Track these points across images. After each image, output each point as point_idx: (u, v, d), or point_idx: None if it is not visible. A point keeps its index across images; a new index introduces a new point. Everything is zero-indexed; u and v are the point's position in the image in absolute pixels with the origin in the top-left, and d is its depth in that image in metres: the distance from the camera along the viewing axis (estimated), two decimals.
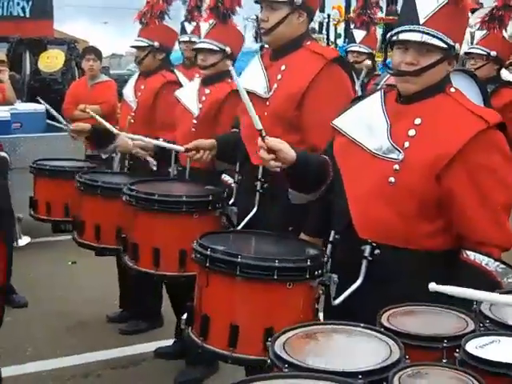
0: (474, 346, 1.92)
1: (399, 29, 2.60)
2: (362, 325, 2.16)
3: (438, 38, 2.51)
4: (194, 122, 4.16)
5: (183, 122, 4.26)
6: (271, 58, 3.42)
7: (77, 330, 5.06)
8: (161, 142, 4.12)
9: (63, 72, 10.59)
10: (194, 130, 4.14)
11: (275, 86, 3.31)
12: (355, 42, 6.76)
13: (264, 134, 2.70)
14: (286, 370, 1.85)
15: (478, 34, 5.45)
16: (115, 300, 5.39)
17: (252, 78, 3.45)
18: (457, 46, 2.53)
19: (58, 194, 4.48)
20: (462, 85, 2.74)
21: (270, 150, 2.69)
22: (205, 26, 4.29)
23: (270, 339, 2.09)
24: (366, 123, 2.70)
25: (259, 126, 2.70)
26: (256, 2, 3.47)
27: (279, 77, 3.32)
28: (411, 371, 1.79)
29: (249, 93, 3.37)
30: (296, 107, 3.24)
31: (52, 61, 10.61)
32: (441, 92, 2.60)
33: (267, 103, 3.32)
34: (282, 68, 3.32)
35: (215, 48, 4.11)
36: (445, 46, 2.51)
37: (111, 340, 4.91)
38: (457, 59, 2.63)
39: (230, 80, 4.18)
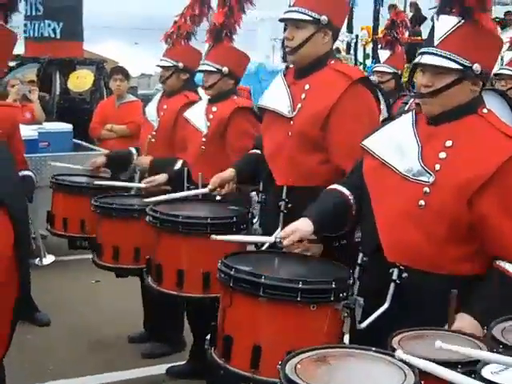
0: (490, 372, 1.90)
1: (419, 51, 2.62)
2: (373, 349, 2.13)
3: (450, 59, 2.49)
4: (203, 140, 4.24)
5: (193, 141, 4.34)
6: (295, 77, 3.41)
7: (98, 349, 5.04)
8: (185, 193, 4.10)
9: (92, 92, 10.70)
10: (203, 147, 4.23)
11: (299, 105, 3.30)
12: (380, 62, 6.75)
13: (278, 240, 2.78)
14: None
15: (509, 55, 5.40)
16: (137, 320, 5.36)
17: (275, 96, 3.45)
18: (475, 66, 2.50)
19: (75, 209, 4.52)
20: (492, 104, 2.71)
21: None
22: (206, 48, 4.48)
23: (280, 362, 2.06)
24: (396, 145, 2.68)
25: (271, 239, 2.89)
26: (281, 21, 3.48)
27: (303, 96, 3.31)
28: None
29: (272, 112, 3.39)
30: (321, 127, 3.23)
31: (81, 81, 10.72)
32: (472, 113, 2.57)
33: (291, 122, 3.30)
34: (306, 87, 3.31)
35: (212, 69, 4.24)
36: (459, 67, 2.49)
37: (132, 360, 4.87)
38: (484, 79, 2.59)
39: (235, 97, 4.30)
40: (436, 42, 2.54)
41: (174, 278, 3.31)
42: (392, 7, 10.09)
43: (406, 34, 6.87)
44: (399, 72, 6.67)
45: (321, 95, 3.24)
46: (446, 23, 2.54)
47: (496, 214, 2.45)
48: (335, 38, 3.40)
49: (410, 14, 10.27)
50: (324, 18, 3.25)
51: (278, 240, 2.73)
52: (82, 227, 4.41)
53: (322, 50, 3.33)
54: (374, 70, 6.80)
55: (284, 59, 12.30)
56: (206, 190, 3.74)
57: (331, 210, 2.82)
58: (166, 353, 4.95)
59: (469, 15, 2.51)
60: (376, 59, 6.81)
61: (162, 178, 4.40)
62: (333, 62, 3.36)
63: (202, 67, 4.34)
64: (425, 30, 10.96)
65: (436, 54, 2.52)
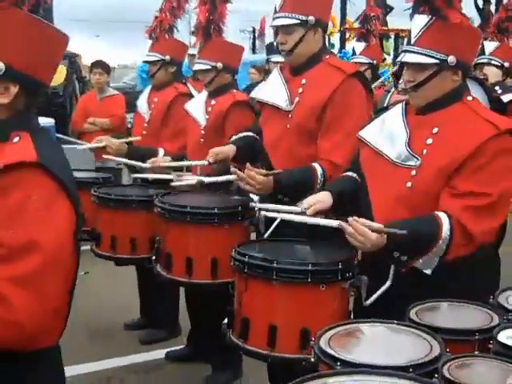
0: (505, 337, 2.10)
1: (401, 49, 2.91)
2: (395, 322, 2.31)
3: (426, 55, 2.72)
4: (202, 132, 4.38)
5: (192, 133, 4.47)
6: (291, 73, 3.57)
7: (96, 337, 5.17)
8: (187, 163, 4.26)
9: (65, 86, 10.70)
10: (202, 140, 4.36)
11: (297, 99, 3.46)
12: (355, 54, 6.98)
13: (304, 209, 2.92)
14: (339, 367, 1.98)
15: (492, 45, 5.61)
16: (130, 308, 5.50)
17: (273, 91, 3.61)
18: (450, 58, 2.71)
19: None
20: (473, 91, 2.95)
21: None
22: (200, 47, 4.55)
23: (313, 339, 2.24)
24: (388, 134, 2.90)
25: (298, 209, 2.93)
26: (272, 27, 3.65)
27: (300, 90, 3.47)
28: (457, 363, 1.94)
29: (270, 105, 3.55)
30: (317, 119, 3.40)
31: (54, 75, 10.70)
32: (457, 101, 2.79)
33: (289, 116, 3.47)
34: (303, 82, 3.48)
35: (207, 67, 4.35)
36: (435, 61, 2.72)
37: (131, 346, 5.01)
38: (463, 69, 2.80)
39: (234, 91, 4.41)
40: (413, 41, 2.78)
41: (184, 266, 3.45)
42: None
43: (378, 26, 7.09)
44: (374, 62, 6.90)
45: (317, 89, 3.41)
46: (420, 22, 2.76)
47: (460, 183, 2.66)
48: (325, 31, 3.57)
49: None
50: (311, 18, 3.40)
51: (304, 209, 2.89)
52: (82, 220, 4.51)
53: (315, 48, 3.49)
54: (352, 61, 7.02)
55: (253, 50, 12.47)
56: (205, 162, 3.78)
57: (348, 190, 3.03)
58: (163, 338, 5.11)
59: (437, 13, 2.73)
60: (353, 52, 7.01)
61: (165, 161, 4.49)
62: (327, 57, 3.53)
63: (196, 66, 4.44)
64: (391, 20, 11.19)
65: (413, 52, 2.76)
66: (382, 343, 2.22)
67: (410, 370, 1.94)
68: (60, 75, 10.60)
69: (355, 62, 6.86)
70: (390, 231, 2.55)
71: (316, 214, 2.90)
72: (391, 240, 2.57)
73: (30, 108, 2.01)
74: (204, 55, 4.40)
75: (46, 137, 2.04)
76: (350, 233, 2.57)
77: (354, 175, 3.06)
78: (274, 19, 3.55)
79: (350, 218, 2.59)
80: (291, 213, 2.93)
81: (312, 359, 2.19)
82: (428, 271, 2.65)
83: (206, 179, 3.59)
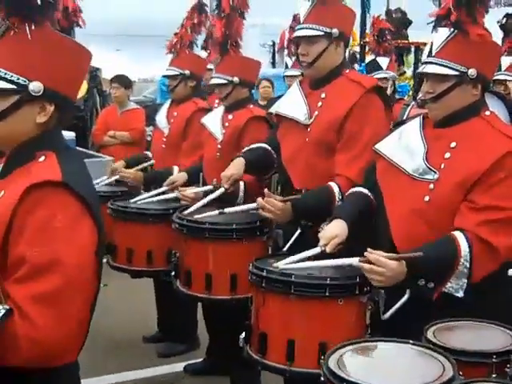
0: None
1: (422, 61, 2.93)
2: (411, 341, 2.30)
3: (447, 66, 2.74)
4: (219, 146, 4.38)
5: (209, 147, 4.48)
6: (311, 87, 3.58)
7: (114, 350, 5.18)
8: (204, 188, 4.22)
9: (85, 100, 10.77)
10: (218, 154, 4.36)
11: (316, 113, 3.47)
12: (381, 69, 6.95)
13: (322, 249, 2.93)
14: None
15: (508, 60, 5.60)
16: (149, 321, 5.51)
17: (292, 104, 3.62)
18: (471, 71, 2.73)
19: None
20: (492, 106, 2.96)
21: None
22: (216, 61, 4.59)
23: (323, 357, 2.24)
24: (405, 147, 2.90)
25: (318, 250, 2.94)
26: (295, 38, 3.66)
27: (320, 104, 3.48)
28: None
29: (289, 119, 3.57)
30: (336, 132, 3.40)
31: None
32: (475, 115, 2.80)
33: (308, 129, 3.48)
34: (322, 96, 3.49)
35: (223, 81, 4.36)
36: (455, 72, 2.73)
37: (149, 359, 5.02)
38: (483, 83, 2.81)
39: (251, 106, 4.42)
40: (434, 52, 2.80)
41: (203, 282, 3.48)
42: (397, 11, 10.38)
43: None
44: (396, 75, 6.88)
45: (336, 103, 3.42)
46: (442, 34, 2.79)
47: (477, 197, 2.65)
48: (346, 46, 3.60)
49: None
50: (335, 30, 3.43)
51: (322, 248, 2.90)
52: None
53: (336, 61, 3.50)
54: (376, 77, 6.99)
55: (273, 64, 12.51)
56: (222, 190, 3.78)
57: (360, 211, 3.03)
58: (182, 352, 5.11)
59: (459, 27, 2.75)
60: (375, 67, 6.96)
61: (182, 177, 4.53)
62: (347, 71, 3.54)
63: (213, 81, 4.46)
64: (410, 33, 11.18)
65: (434, 63, 2.78)
66: (393, 364, 2.21)
67: None
68: (81, 89, 10.68)
69: (379, 78, 6.83)
70: (406, 256, 2.57)
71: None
72: (411, 267, 2.57)
73: (59, 126, 2.04)
74: (221, 70, 4.42)
75: (72, 155, 2.06)
76: (368, 269, 2.58)
77: (365, 191, 3.05)
78: (297, 30, 3.58)
79: (365, 253, 2.59)
80: (311, 256, 2.94)
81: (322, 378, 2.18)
82: (459, 294, 2.63)
83: (227, 210, 3.61)
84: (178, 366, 4.91)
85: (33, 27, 1.94)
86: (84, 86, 10.80)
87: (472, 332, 2.46)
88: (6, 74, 1.93)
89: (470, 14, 2.73)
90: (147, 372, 4.86)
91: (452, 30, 2.77)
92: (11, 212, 1.82)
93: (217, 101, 5.21)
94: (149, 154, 5.31)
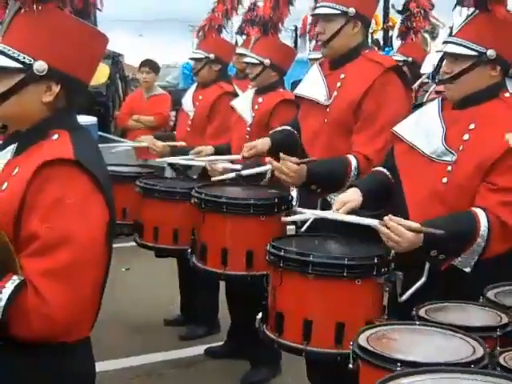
0: None
1: (443, 41, 2.89)
2: (436, 324, 2.28)
3: (465, 46, 2.71)
4: (248, 129, 4.39)
5: (238, 129, 4.49)
6: (330, 67, 3.57)
7: (136, 333, 5.22)
8: (223, 157, 4.29)
9: (108, 85, 10.84)
10: (247, 137, 4.36)
11: (335, 93, 3.46)
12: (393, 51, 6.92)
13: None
14: (399, 368, 1.95)
15: None
16: (170, 305, 5.56)
17: (312, 86, 3.62)
18: (490, 52, 2.69)
19: (118, 198, 4.65)
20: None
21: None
22: (253, 41, 4.56)
23: (352, 342, 2.20)
24: (423, 129, 2.87)
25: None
26: (312, 16, 3.65)
27: (339, 84, 3.47)
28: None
29: (309, 100, 3.56)
30: (354, 113, 3.39)
31: (97, 74, 10.81)
32: (494, 97, 2.77)
33: (327, 110, 3.47)
34: (342, 76, 3.47)
35: (255, 61, 4.37)
36: (473, 53, 2.70)
37: (171, 342, 5.05)
38: (503, 65, 2.77)
39: (281, 89, 4.41)
40: (454, 32, 2.77)
41: (219, 257, 3.47)
42: None
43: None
44: (410, 59, 6.74)
45: (355, 83, 3.40)
46: (464, 14, 2.77)
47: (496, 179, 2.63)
48: (367, 27, 3.57)
49: None
50: (352, 9, 3.41)
51: (335, 211, 2.89)
52: (124, 214, 4.54)
53: (353, 41, 3.48)
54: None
55: (295, 46, 12.47)
56: (239, 157, 3.83)
57: (378, 186, 3.01)
58: (203, 335, 5.14)
59: (482, 6, 2.71)
60: (389, 47, 6.91)
61: (209, 149, 4.56)
62: (367, 51, 3.53)
63: (246, 59, 4.49)
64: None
65: (453, 43, 2.76)
66: (422, 344, 2.17)
67: (472, 366, 1.95)
68: (103, 75, 10.76)
69: None
70: (428, 231, 2.53)
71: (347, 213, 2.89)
72: (428, 240, 2.54)
73: (71, 107, 2.05)
74: (255, 49, 4.43)
75: (85, 135, 2.07)
76: (385, 233, 2.55)
77: (385, 171, 3.03)
78: (315, 9, 3.59)
79: (385, 217, 2.57)
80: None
81: (351, 365, 2.17)
82: (467, 269, 2.63)
83: (244, 172, 3.61)
84: (199, 349, 4.94)
85: (43, 8, 1.95)
86: (106, 72, 10.88)
87: (460, 311, 2.46)
88: (13, 52, 1.94)
89: None
90: (168, 355, 4.89)
91: (473, 9, 2.73)
92: (24, 188, 1.84)
93: (250, 86, 5.21)
94: (175, 133, 5.30)
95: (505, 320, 2.31)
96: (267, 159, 3.37)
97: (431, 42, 7.67)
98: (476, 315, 2.41)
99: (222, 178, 3.80)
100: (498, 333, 2.24)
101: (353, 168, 3.30)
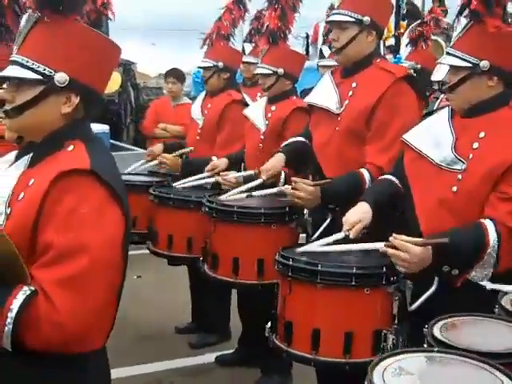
0: None
1: (445, 51, 2.90)
2: (459, 352, 2.07)
3: (459, 57, 2.75)
4: (262, 137, 4.39)
5: (251, 138, 4.50)
6: (342, 76, 3.58)
7: (147, 340, 5.22)
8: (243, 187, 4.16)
9: (120, 93, 10.87)
10: (261, 145, 4.38)
11: (346, 102, 3.47)
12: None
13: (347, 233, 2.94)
14: None
15: None
16: (181, 312, 5.56)
17: (324, 94, 3.62)
18: (483, 63, 2.72)
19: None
20: None
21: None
22: (263, 51, 4.57)
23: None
24: (433, 137, 2.88)
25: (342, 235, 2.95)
26: (327, 23, 3.67)
27: (350, 93, 3.47)
28: None
29: (321, 108, 3.57)
30: (365, 121, 3.40)
31: (109, 82, 10.87)
32: (503, 106, 2.78)
33: (339, 118, 3.47)
34: (353, 85, 3.48)
35: (268, 72, 4.37)
36: (467, 64, 2.73)
37: (181, 350, 5.06)
38: (501, 76, 2.76)
39: (294, 97, 4.42)
40: (452, 43, 2.82)
41: (230, 266, 3.49)
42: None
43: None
44: (419, 66, 6.71)
45: (366, 92, 3.41)
46: (461, 25, 2.79)
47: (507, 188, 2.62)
48: (380, 37, 3.58)
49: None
50: (367, 18, 3.43)
51: (346, 234, 2.91)
52: (134, 223, 4.51)
53: (366, 50, 3.50)
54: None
55: (307, 53, 12.44)
56: (260, 181, 3.80)
57: (386, 197, 3.02)
58: (214, 342, 5.15)
59: (476, 18, 2.73)
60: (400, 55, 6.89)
61: (223, 162, 4.58)
62: (378, 60, 3.53)
63: (258, 70, 4.48)
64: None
65: (450, 54, 2.80)
66: (444, 380, 1.99)
67: None
68: (115, 83, 10.79)
69: None
70: (432, 241, 2.54)
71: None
72: (437, 253, 2.55)
73: (87, 117, 2.07)
74: (267, 60, 4.42)
75: (100, 146, 2.09)
76: (393, 253, 2.56)
77: (393, 178, 3.03)
78: (330, 15, 3.60)
79: (390, 238, 2.58)
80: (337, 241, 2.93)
81: None
82: (484, 283, 2.59)
83: (255, 193, 3.64)
84: (210, 357, 4.94)
85: (62, 20, 1.98)
86: (118, 80, 10.93)
87: (479, 328, 2.33)
88: (32, 64, 1.97)
89: (488, 5, 2.70)
90: (179, 362, 4.89)
91: (469, 20, 2.76)
92: (41, 199, 1.86)
93: (259, 94, 5.21)
94: (184, 142, 5.31)
95: None
96: (287, 187, 3.40)
97: (446, 48, 7.62)
98: (494, 332, 2.28)
99: (233, 197, 3.75)
100: None
101: (367, 181, 3.31)
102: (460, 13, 2.80)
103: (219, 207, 3.57)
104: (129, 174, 5.10)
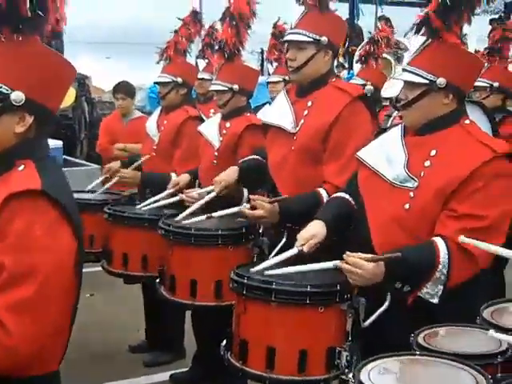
0: None
1: (401, 68, 2.98)
2: (438, 354, 2.28)
3: (416, 74, 2.79)
4: (216, 154, 4.38)
5: (205, 154, 4.48)
6: (297, 95, 3.60)
7: (100, 360, 5.14)
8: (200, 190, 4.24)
9: (74, 108, 10.75)
10: (215, 161, 4.36)
11: (302, 121, 3.49)
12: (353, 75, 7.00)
13: (300, 249, 2.95)
14: None
15: None
16: (134, 331, 5.51)
17: (279, 113, 3.64)
18: (439, 80, 2.76)
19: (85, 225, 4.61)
20: (472, 114, 2.98)
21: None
22: (217, 68, 4.59)
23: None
24: (386, 155, 2.92)
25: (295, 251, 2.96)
26: (284, 42, 3.69)
27: (306, 112, 3.50)
28: None
29: (276, 127, 3.58)
30: (322, 141, 3.42)
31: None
32: (454, 124, 2.82)
33: (294, 138, 3.49)
34: (309, 104, 3.50)
35: (224, 88, 4.38)
36: (424, 81, 2.78)
37: (135, 369, 5.00)
38: (456, 93, 2.82)
39: (248, 114, 4.43)
40: (409, 60, 2.87)
41: (188, 288, 3.48)
42: (382, 19, 10.38)
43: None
44: (369, 84, 6.77)
45: (322, 111, 3.44)
46: (418, 43, 2.85)
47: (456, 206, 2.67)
48: (335, 56, 3.62)
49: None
50: (324, 38, 3.45)
51: (299, 249, 2.92)
52: (91, 242, 4.51)
53: (323, 69, 3.52)
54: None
55: (261, 72, 12.52)
56: (214, 194, 3.83)
57: (340, 214, 3.04)
58: (168, 361, 5.10)
59: (435, 35, 2.80)
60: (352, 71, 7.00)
61: (185, 178, 4.57)
62: (334, 79, 3.57)
63: (213, 87, 4.48)
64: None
65: (407, 71, 2.85)
66: (424, 378, 2.19)
67: None
68: (69, 97, 10.66)
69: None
70: (385, 257, 2.58)
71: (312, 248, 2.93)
72: (390, 269, 2.59)
73: (40, 137, 2.04)
74: (222, 76, 4.42)
75: (51, 164, 2.06)
76: (347, 269, 2.60)
77: (347, 196, 3.06)
78: (287, 35, 3.63)
79: (344, 255, 2.62)
80: (290, 258, 2.96)
81: None
82: (435, 300, 2.65)
83: (215, 214, 3.64)
84: (164, 376, 4.89)
85: (21, 38, 1.95)
86: (72, 95, 10.80)
87: (458, 336, 2.48)
88: None
89: (447, 22, 2.77)
90: (133, 382, 4.85)
91: (427, 38, 2.81)
92: None
93: (212, 110, 5.19)
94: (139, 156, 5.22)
95: (504, 345, 2.31)
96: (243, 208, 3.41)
97: (396, 65, 7.75)
98: (473, 339, 2.42)
99: (193, 221, 3.73)
100: (499, 359, 2.26)
101: (324, 201, 3.32)
102: (418, 30, 2.84)
103: (176, 230, 3.56)
104: (87, 191, 5.05)
